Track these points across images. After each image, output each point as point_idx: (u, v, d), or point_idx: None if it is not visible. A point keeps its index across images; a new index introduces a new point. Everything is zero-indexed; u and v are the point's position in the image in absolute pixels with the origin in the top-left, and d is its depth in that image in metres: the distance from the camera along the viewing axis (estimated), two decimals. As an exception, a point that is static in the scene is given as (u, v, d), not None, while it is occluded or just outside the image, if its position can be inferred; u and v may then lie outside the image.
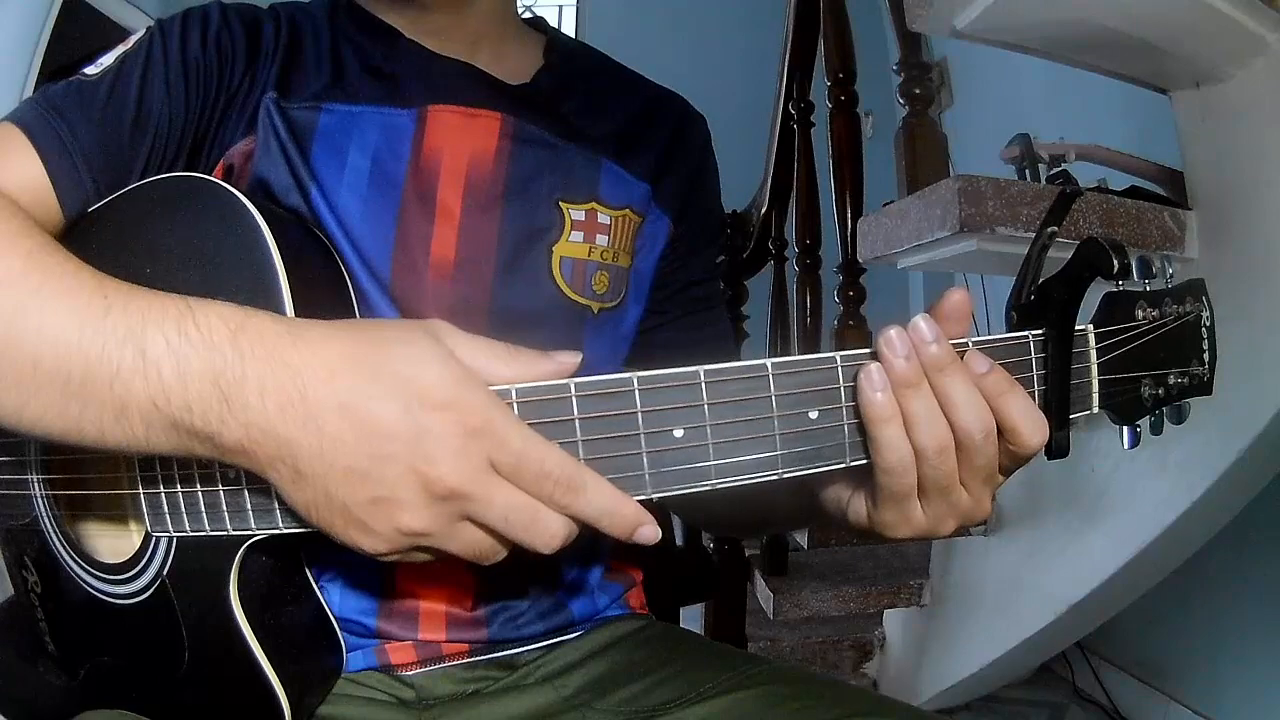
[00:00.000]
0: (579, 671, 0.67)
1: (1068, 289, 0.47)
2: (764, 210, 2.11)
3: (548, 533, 0.43)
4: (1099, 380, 0.49)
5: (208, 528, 0.51)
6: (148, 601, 0.57)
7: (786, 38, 2.06)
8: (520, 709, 0.65)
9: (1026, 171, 1.45)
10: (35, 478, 0.62)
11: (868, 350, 0.45)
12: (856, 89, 1.81)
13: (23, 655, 0.66)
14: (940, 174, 1.72)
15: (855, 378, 0.45)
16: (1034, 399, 0.47)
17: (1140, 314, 0.50)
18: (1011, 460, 0.48)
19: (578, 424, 0.43)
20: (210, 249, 0.53)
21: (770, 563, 1.83)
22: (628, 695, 0.64)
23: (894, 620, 1.97)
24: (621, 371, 0.44)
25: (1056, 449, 0.47)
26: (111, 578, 0.59)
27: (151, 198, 0.57)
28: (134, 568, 0.57)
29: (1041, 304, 0.48)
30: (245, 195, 0.53)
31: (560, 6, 4.32)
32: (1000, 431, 0.46)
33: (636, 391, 0.43)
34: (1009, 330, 0.49)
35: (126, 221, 0.57)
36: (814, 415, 0.45)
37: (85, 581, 0.60)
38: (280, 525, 0.49)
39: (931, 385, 0.45)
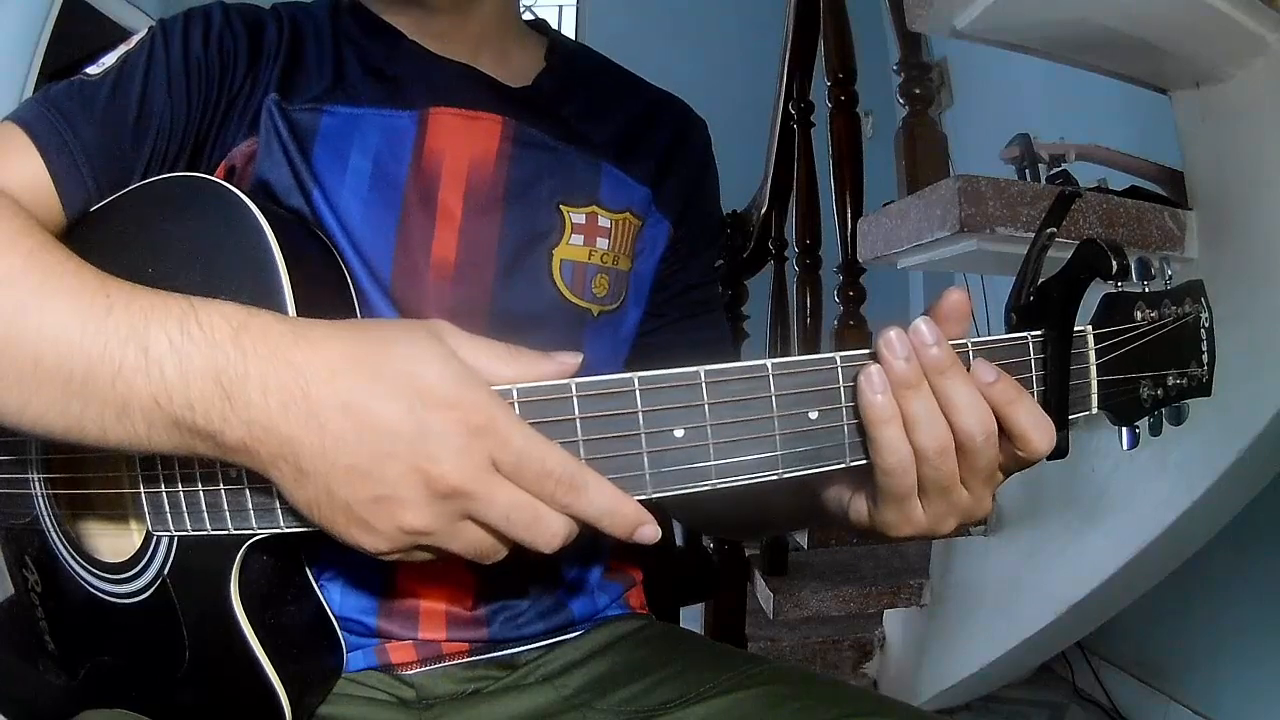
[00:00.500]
0: (579, 671, 0.68)
1: (1067, 290, 0.47)
2: (764, 210, 2.11)
3: (549, 532, 0.43)
4: (1098, 381, 0.49)
5: (209, 527, 0.51)
6: (148, 601, 0.57)
7: (786, 38, 2.06)
8: (520, 709, 0.65)
9: (1026, 171, 1.45)
10: (36, 477, 0.62)
11: (868, 351, 0.46)
12: (856, 89, 1.81)
13: (23, 655, 0.66)
14: (940, 174, 1.72)
15: (855, 379, 0.45)
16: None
17: (1139, 315, 0.50)
18: (1015, 463, 0.48)
19: (578, 424, 0.43)
20: (212, 249, 0.53)
21: (770, 563, 1.83)
22: (628, 695, 0.64)
23: (894, 620, 1.97)
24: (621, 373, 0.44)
25: (1056, 450, 0.48)
26: (112, 577, 0.59)
27: (153, 198, 0.57)
28: (134, 567, 0.57)
29: (1041, 305, 0.48)
30: (247, 195, 0.53)
31: (560, 7, 4.32)
32: (1008, 437, 0.46)
33: (637, 391, 0.44)
34: (1008, 331, 0.49)
35: (128, 221, 0.57)
36: (814, 415, 0.45)
37: (86, 581, 0.60)
38: (282, 525, 0.49)
39: (932, 387, 0.45)
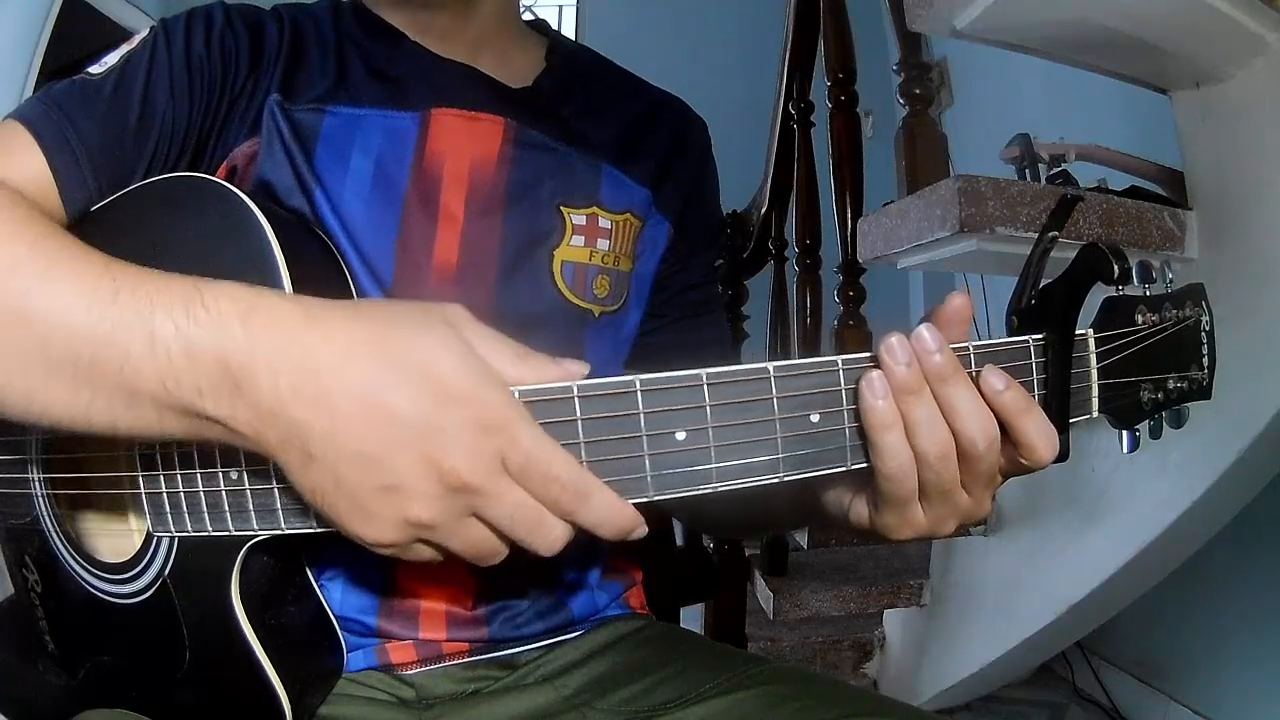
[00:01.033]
0: (579, 671, 0.68)
1: (1068, 293, 0.47)
2: (764, 210, 2.11)
3: (551, 535, 0.43)
4: (1099, 385, 0.49)
5: (209, 527, 0.51)
6: (149, 601, 0.57)
7: (786, 38, 2.05)
8: (520, 709, 0.65)
9: (1026, 171, 1.45)
10: (36, 476, 0.62)
11: (869, 354, 0.46)
12: (856, 89, 1.81)
13: (23, 654, 0.66)
14: (940, 174, 1.71)
15: (856, 383, 0.45)
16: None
17: (1140, 318, 0.50)
18: (1017, 469, 0.48)
19: (580, 425, 0.43)
20: (213, 249, 0.53)
21: (770, 563, 1.84)
22: (628, 695, 0.64)
23: (894, 620, 1.97)
24: (621, 375, 0.44)
25: (1057, 454, 0.48)
26: (112, 577, 0.59)
27: (154, 197, 0.57)
28: (135, 567, 0.57)
29: (1042, 308, 0.48)
30: (248, 196, 0.53)
31: (560, 6, 4.32)
32: (1014, 445, 0.46)
33: (639, 394, 0.44)
34: (1009, 334, 0.49)
35: (129, 220, 0.57)
36: (815, 418, 0.45)
37: (86, 581, 0.60)
38: (283, 526, 0.49)
39: (935, 394, 0.45)
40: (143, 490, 0.54)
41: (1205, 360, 0.52)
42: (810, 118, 2.02)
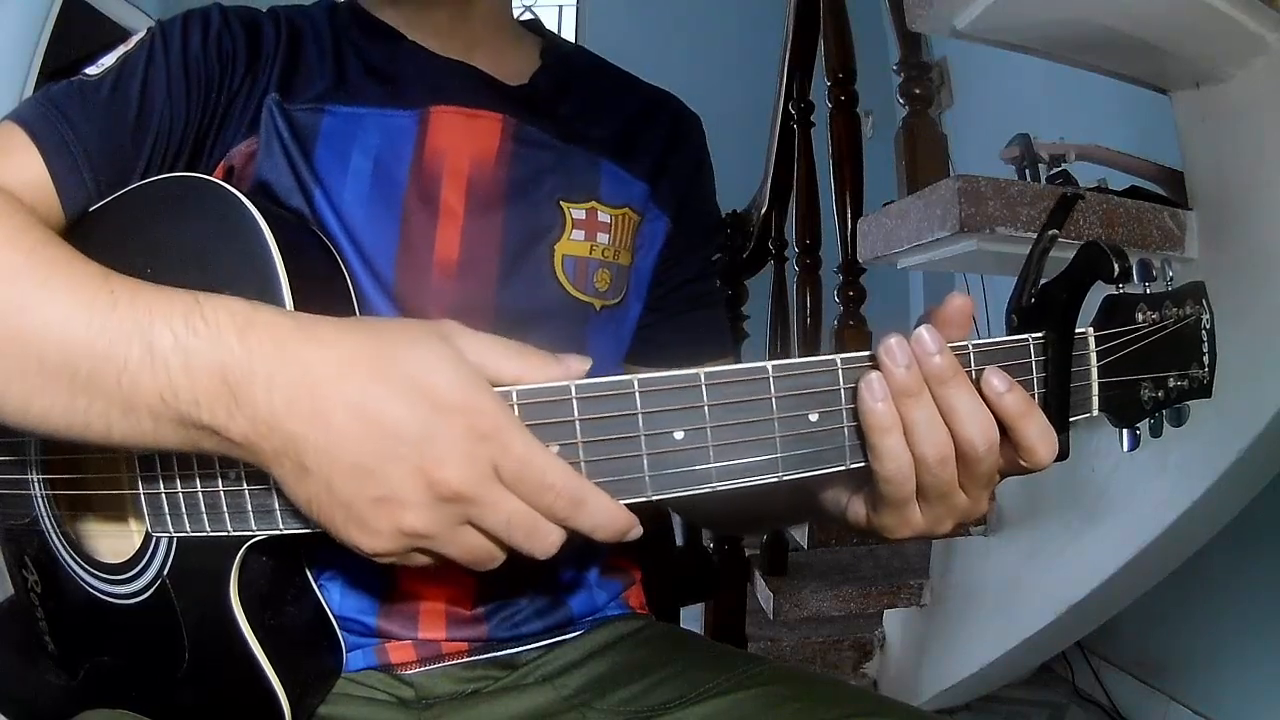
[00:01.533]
0: (579, 671, 0.68)
1: (1068, 292, 0.47)
2: (764, 210, 2.10)
3: (546, 541, 0.43)
4: (1099, 383, 0.49)
5: (208, 528, 0.51)
6: (148, 601, 0.57)
7: (786, 38, 2.05)
8: (520, 708, 0.65)
9: (1026, 171, 1.45)
10: (35, 477, 0.62)
11: (868, 354, 0.45)
12: (856, 89, 1.81)
13: (23, 655, 0.66)
14: (940, 174, 1.72)
15: (856, 383, 0.45)
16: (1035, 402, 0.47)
17: (1140, 317, 0.50)
18: (1016, 470, 0.48)
19: (578, 425, 0.43)
20: (211, 250, 0.53)
21: (770, 563, 1.83)
22: (628, 695, 0.64)
23: (894, 620, 1.97)
24: (622, 369, 0.44)
25: (1057, 453, 0.47)
26: (112, 578, 0.59)
27: (152, 198, 0.57)
28: (134, 568, 0.57)
29: (1042, 307, 0.48)
30: (246, 196, 0.53)
31: (560, 7, 4.32)
32: (1014, 448, 0.46)
33: (637, 393, 0.43)
34: (1009, 333, 0.49)
35: (127, 221, 0.57)
36: (814, 418, 0.45)
37: (85, 581, 0.60)
38: (281, 526, 0.49)
39: (934, 396, 0.45)
40: (141, 491, 0.54)
41: (1206, 358, 0.52)
42: (810, 118, 2.01)
